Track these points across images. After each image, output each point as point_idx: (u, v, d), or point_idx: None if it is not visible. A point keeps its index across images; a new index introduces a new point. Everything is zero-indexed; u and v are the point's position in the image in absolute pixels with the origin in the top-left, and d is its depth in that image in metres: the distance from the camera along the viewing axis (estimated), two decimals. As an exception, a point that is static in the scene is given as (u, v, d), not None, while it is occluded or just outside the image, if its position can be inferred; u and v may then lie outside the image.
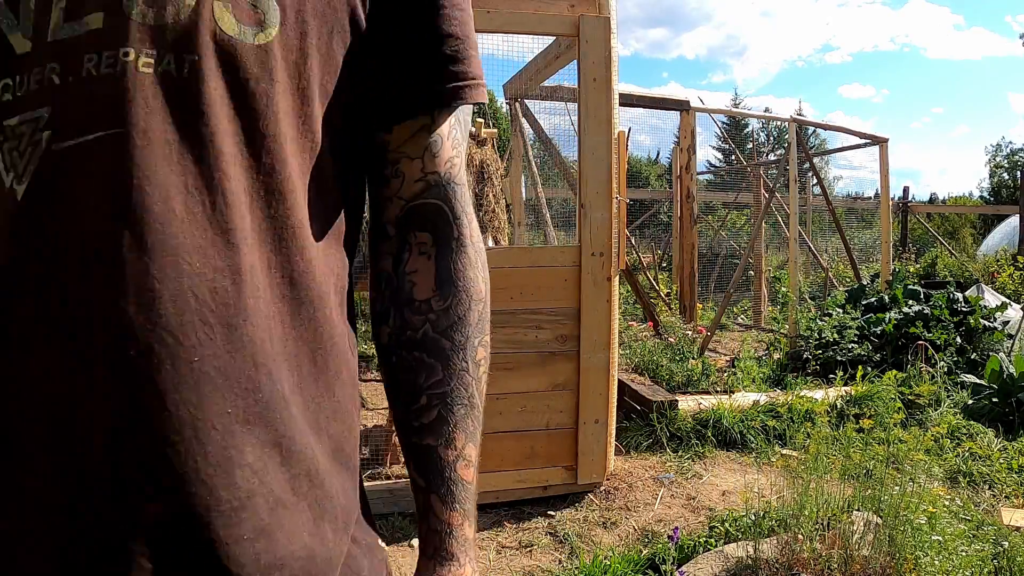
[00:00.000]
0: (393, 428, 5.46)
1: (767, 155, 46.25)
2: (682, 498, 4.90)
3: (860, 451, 5.64)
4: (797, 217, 8.32)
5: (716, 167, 38.51)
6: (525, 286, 4.46)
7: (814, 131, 47.65)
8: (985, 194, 34.93)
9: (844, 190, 36.94)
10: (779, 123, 49.21)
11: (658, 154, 50.33)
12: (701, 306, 12.26)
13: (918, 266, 15.65)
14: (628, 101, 7.58)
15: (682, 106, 7.86)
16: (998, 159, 35.45)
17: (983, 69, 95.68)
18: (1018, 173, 34.02)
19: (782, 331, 8.91)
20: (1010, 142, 38.08)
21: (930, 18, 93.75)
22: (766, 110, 51.72)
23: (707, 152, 49.38)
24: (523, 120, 6.99)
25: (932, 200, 44.85)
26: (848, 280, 10.45)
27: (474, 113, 8.62)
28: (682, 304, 7.83)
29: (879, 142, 9.76)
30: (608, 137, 4.48)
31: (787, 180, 8.45)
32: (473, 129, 8.41)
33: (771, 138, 50.13)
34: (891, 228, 9.90)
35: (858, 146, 10.22)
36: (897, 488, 3.88)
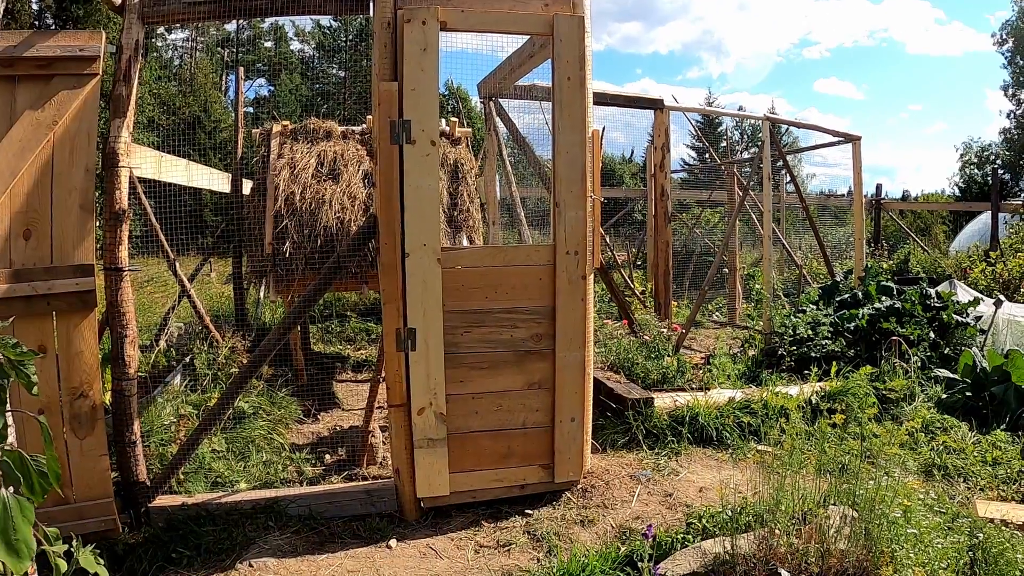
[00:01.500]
0: (370, 429, 5.47)
1: (740, 153, 46.61)
2: (659, 495, 4.91)
3: (835, 445, 5.69)
4: (771, 215, 8.35)
5: (690, 165, 38.64)
6: (500, 285, 4.46)
7: (787, 129, 48.07)
8: (956, 190, 35.28)
9: (818, 187, 37.22)
10: (753, 121, 49.73)
11: (632, 152, 50.50)
12: (676, 304, 12.31)
13: (891, 262, 15.80)
14: (602, 100, 7.58)
15: (656, 104, 7.87)
16: (968, 156, 35.82)
17: (962, 65, 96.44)
18: (988, 169, 34.41)
19: (757, 328, 8.95)
20: (979, 138, 38.49)
21: (910, 13, 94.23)
22: (740, 108, 51.90)
23: (681, 151, 49.58)
24: (497, 119, 6.97)
25: (905, 197, 45.21)
26: (822, 277, 10.52)
27: (448, 112, 8.71)
28: (657, 301, 7.84)
29: (852, 140, 9.84)
30: (583, 136, 4.49)
31: (760, 178, 8.49)
32: (447, 128, 8.40)
33: (745, 136, 50.44)
34: (864, 224, 9.96)
35: (831, 144, 10.29)
36: (872, 482, 3.91)
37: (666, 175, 7.67)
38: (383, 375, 4.69)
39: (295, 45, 48.19)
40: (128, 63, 4.31)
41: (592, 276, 4.78)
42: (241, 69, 8.58)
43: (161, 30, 41.71)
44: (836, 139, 9.99)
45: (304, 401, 7.05)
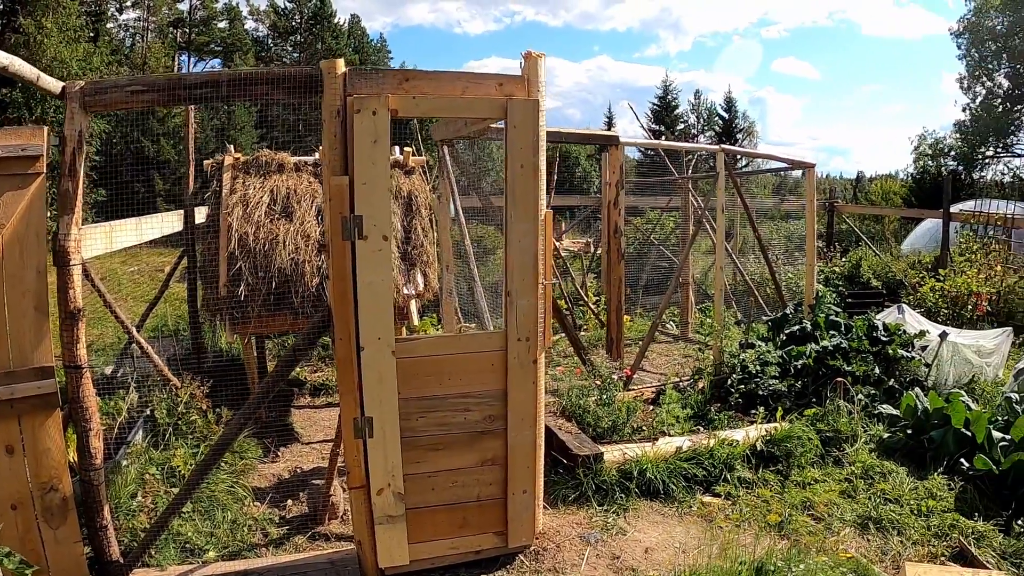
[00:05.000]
0: (334, 480, 5.57)
1: (696, 138, 46.87)
2: (607, 557, 5.08)
3: (777, 496, 5.91)
4: (723, 246, 8.51)
5: (644, 165, 38.69)
6: (454, 372, 4.57)
7: (746, 121, 48.62)
8: (910, 179, 35.84)
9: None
10: (709, 105, 50.03)
11: (588, 128, 50.64)
12: (630, 318, 12.49)
13: (844, 263, 16.10)
14: (557, 139, 7.64)
15: (610, 141, 7.94)
16: (922, 148, 36.41)
17: (919, 48, 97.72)
18: (941, 160, 35.04)
19: (707, 342, 9.11)
20: (933, 130, 39.17)
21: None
22: (696, 93, 52.22)
23: (637, 130, 49.85)
24: (450, 165, 7.00)
25: (859, 179, 45.88)
26: (775, 301, 10.69)
27: (402, 142, 8.56)
28: (609, 337, 7.97)
29: (805, 167, 10.00)
30: (535, 225, 4.56)
31: (715, 205, 8.62)
32: (400, 158, 8.38)
33: (701, 120, 50.71)
34: (815, 253, 10.15)
35: (784, 170, 10.45)
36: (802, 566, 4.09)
37: (620, 212, 7.76)
38: (341, 450, 4.79)
39: (249, 24, 47.47)
40: (72, 155, 4.25)
41: (543, 356, 4.89)
42: (192, 109, 8.46)
43: (112, 11, 40.88)
44: (788, 166, 10.17)
45: (263, 439, 7.11)
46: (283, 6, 46.27)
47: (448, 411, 4.60)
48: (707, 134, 49.46)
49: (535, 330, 4.66)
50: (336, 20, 46.53)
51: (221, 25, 45.62)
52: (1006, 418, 6.66)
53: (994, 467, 5.89)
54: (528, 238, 4.56)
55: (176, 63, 39.44)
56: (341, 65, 4.32)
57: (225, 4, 45.73)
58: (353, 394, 4.35)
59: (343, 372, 4.34)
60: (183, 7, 44.53)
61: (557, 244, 14.72)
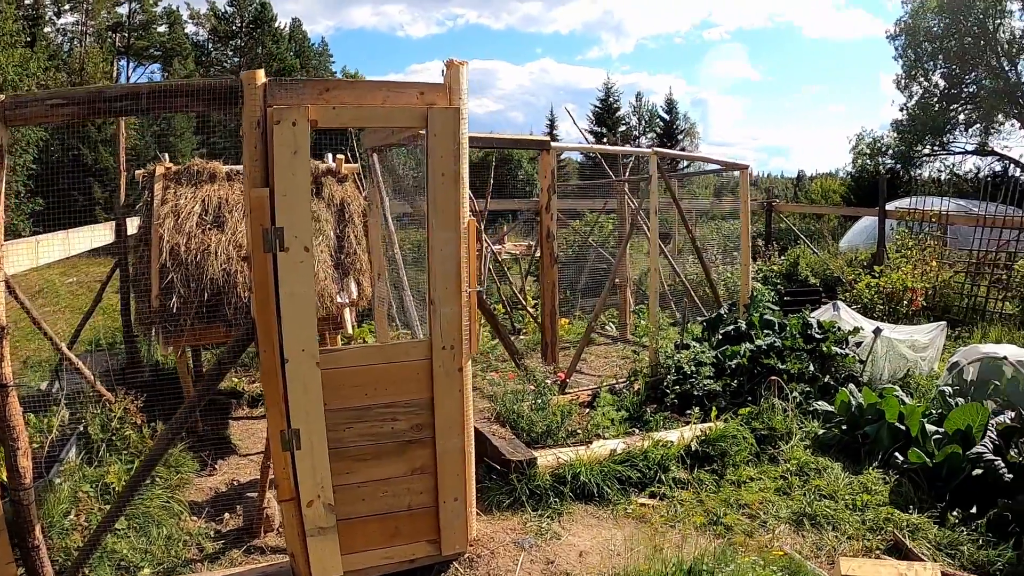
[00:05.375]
0: (267, 493, 5.53)
1: (638, 140, 47.34)
2: (541, 562, 5.11)
3: (712, 494, 5.98)
4: (656, 248, 8.60)
5: (587, 168, 38.98)
6: (379, 382, 4.57)
7: (687, 122, 49.17)
8: (849, 177, 36.57)
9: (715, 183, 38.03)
10: (650, 107, 50.57)
11: (531, 132, 51.01)
12: (569, 321, 12.56)
13: (782, 262, 16.35)
14: (489, 144, 7.67)
15: (542, 145, 7.97)
16: (860, 147, 37.18)
17: (858, 49, 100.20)
18: (879, 159, 35.79)
19: (644, 343, 9.18)
20: (871, 130, 40.00)
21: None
22: (637, 96, 52.80)
23: (578, 133, 50.27)
24: (379, 173, 6.98)
25: (800, 178, 46.72)
26: (711, 300, 10.83)
27: (334, 149, 8.48)
28: (544, 342, 7.99)
29: (740, 168, 10.15)
30: (457, 233, 4.58)
31: (649, 207, 8.70)
32: (333, 165, 8.34)
33: (642, 122, 51.22)
34: (749, 252, 10.30)
35: (719, 171, 10.60)
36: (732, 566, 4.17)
37: (552, 216, 7.80)
38: (271, 463, 4.76)
39: (189, 28, 46.88)
40: (-8, 173, 4.19)
41: (469, 365, 4.91)
42: (123, 122, 8.33)
43: (50, 14, 40.09)
44: (723, 168, 10.32)
45: (200, 452, 7.03)
46: (223, 10, 45.76)
47: (376, 421, 4.59)
48: (648, 136, 50.04)
49: (459, 338, 4.68)
50: (277, 24, 46.19)
51: (161, 29, 45.07)
52: (940, 411, 6.80)
53: (928, 460, 6.00)
54: (450, 246, 4.58)
55: (115, 68, 38.79)
56: (261, 76, 4.29)
57: (165, 8, 45.15)
58: (279, 406, 4.32)
59: (268, 384, 4.31)
60: (122, 11, 43.84)
61: (499, 247, 14.76)
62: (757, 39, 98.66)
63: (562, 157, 34.68)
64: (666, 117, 51.00)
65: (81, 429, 6.43)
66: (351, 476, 4.59)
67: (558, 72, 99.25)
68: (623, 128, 48.63)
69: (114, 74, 37.48)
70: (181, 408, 4.69)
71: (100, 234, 8.45)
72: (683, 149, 44.12)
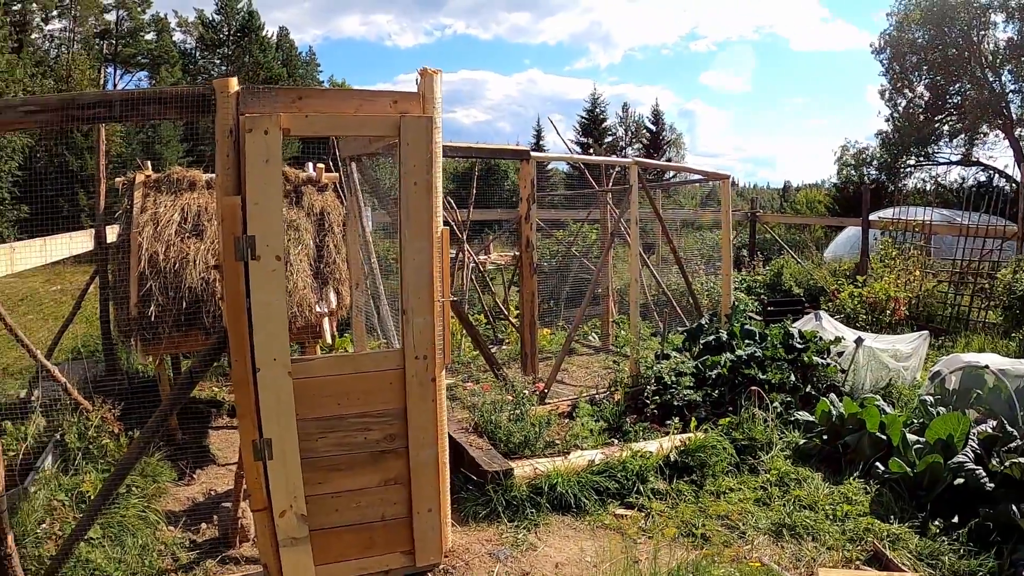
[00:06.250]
0: (241, 503, 5.49)
1: (624, 150, 47.49)
2: (516, 574, 5.09)
3: (692, 504, 5.96)
4: (638, 259, 8.60)
5: (573, 178, 39.03)
6: (352, 392, 4.55)
7: (673, 133, 49.34)
8: (833, 188, 36.79)
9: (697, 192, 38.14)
10: (637, 118, 50.75)
11: (518, 142, 51.09)
12: (551, 331, 12.54)
13: (766, 272, 16.38)
14: (469, 153, 7.68)
15: (521, 155, 7.99)
16: (845, 158, 37.41)
17: (844, 61, 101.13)
18: (864, 169, 35.98)
19: (626, 353, 9.16)
20: (856, 141, 40.26)
21: (796, 10, 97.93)
22: (624, 106, 52.92)
23: (563, 144, 50.42)
24: (357, 182, 6.96)
25: (786, 188, 46.94)
26: (692, 309, 10.84)
27: (315, 158, 8.47)
28: (523, 352, 7.98)
29: (721, 179, 10.18)
30: (430, 242, 4.56)
31: (630, 217, 8.71)
32: (313, 174, 8.33)
33: (629, 132, 51.39)
34: (731, 263, 10.32)
35: (700, 182, 10.63)
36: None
37: (532, 226, 7.81)
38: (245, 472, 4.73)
39: (177, 36, 46.84)
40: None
41: (443, 375, 4.90)
42: (103, 129, 8.31)
43: (38, 20, 40.00)
44: (703, 178, 10.34)
45: (178, 461, 6.99)
46: (211, 18, 45.71)
47: (348, 431, 4.57)
48: (635, 146, 50.20)
49: (433, 348, 4.66)
50: (265, 33, 46.15)
51: (148, 37, 44.95)
52: (921, 421, 6.79)
53: (909, 469, 5.98)
54: (422, 256, 4.56)
55: (102, 75, 38.66)
56: (234, 84, 4.28)
57: (152, 16, 45.04)
58: (251, 416, 4.30)
59: (240, 394, 4.29)
60: (110, 18, 43.75)
61: (484, 257, 14.74)
62: (744, 51, 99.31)
63: (548, 167, 34.80)
64: (653, 128, 51.14)
65: (58, 437, 6.39)
66: (324, 486, 4.57)
67: (546, 83, 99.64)
68: (609, 139, 48.76)
69: (101, 81, 37.24)
70: (154, 416, 4.66)
71: (78, 242, 8.40)
72: (669, 160, 44.22)
